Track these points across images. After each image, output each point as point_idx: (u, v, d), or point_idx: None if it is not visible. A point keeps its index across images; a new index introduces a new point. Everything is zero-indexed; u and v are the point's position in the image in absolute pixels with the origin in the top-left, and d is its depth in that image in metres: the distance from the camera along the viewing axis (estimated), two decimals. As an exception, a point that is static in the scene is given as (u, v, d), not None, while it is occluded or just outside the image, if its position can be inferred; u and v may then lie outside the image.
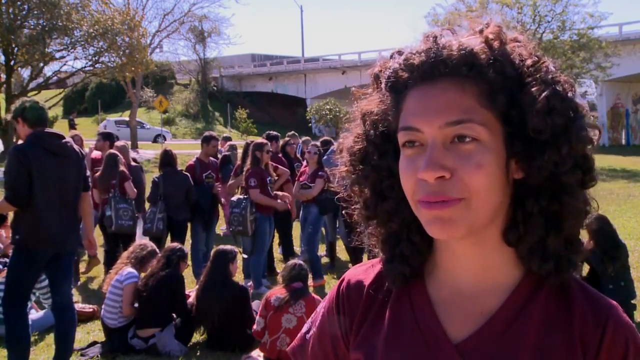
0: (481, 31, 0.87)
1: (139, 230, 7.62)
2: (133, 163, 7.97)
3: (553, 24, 24.81)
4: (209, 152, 7.94)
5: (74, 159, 4.39)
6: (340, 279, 1.08)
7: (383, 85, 0.92)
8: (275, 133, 8.65)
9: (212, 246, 7.84)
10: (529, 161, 0.84)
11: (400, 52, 0.90)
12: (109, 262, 6.56)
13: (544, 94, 0.82)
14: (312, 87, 45.99)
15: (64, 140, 4.35)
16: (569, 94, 0.85)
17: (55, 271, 4.44)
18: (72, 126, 29.86)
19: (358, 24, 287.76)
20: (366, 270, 1.05)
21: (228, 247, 5.42)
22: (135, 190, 7.22)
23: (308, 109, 39.42)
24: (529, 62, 0.85)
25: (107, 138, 8.09)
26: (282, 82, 48.54)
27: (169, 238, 7.37)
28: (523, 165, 0.85)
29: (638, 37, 30.81)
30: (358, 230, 1.04)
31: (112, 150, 7.53)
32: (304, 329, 1.11)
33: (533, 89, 0.83)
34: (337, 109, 35.90)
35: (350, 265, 7.98)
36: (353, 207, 1.01)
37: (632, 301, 5.59)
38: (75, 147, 4.47)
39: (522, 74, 0.85)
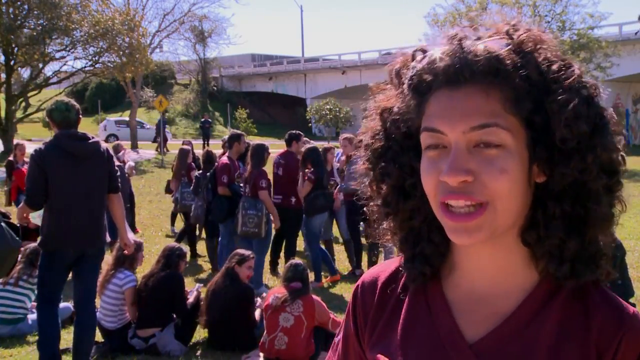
0: (507, 32, 0.86)
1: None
2: (117, 162, 8.12)
3: (553, 24, 24.81)
4: (240, 150, 7.65)
5: (97, 161, 4.34)
6: (359, 280, 1.09)
7: (406, 86, 0.90)
8: (297, 132, 8.10)
9: (237, 243, 7.77)
10: (553, 167, 0.84)
11: (423, 51, 0.89)
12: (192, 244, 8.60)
13: (572, 104, 0.81)
14: (312, 87, 45.96)
15: (90, 141, 4.33)
16: (595, 99, 0.84)
17: (76, 273, 4.45)
18: (206, 128, 29.52)
19: (358, 24, 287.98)
20: (381, 270, 1.05)
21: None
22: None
23: (308, 109, 39.35)
24: (555, 67, 0.84)
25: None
26: (282, 82, 48.49)
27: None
28: (545, 170, 0.85)
29: (638, 37, 30.79)
30: (371, 227, 1.03)
31: (183, 146, 9.65)
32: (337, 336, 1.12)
33: (560, 98, 0.81)
34: (337, 109, 35.86)
35: (348, 264, 7.99)
36: (371, 204, 1.00)
37: (630, 300, 5.60)
38: (103, 147, 4.40)
39: (548, 80, 0.83)
